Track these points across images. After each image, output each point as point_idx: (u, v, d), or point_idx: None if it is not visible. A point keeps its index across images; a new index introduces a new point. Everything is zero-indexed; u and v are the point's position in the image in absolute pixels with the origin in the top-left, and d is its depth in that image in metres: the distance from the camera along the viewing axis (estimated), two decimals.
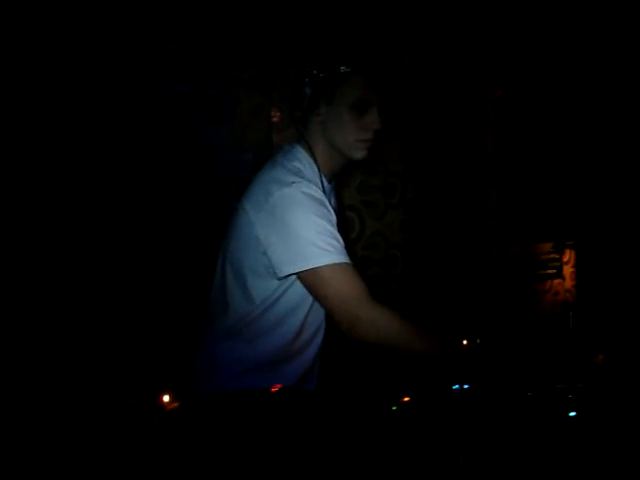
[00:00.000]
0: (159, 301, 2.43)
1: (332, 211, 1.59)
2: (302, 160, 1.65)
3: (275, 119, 2.95)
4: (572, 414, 1.10)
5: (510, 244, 4.26)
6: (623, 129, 3.73)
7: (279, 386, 1.39)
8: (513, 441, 1.12)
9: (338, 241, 1.53)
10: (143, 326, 2.35)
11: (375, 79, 1.62)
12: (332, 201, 1.76)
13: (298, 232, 1.50)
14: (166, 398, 1.21)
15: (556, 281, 4.67)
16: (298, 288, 1.62)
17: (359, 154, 1.66)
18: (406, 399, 1.39)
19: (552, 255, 4.60)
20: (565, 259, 4.69)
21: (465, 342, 1.90)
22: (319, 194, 1.56)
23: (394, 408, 1.36)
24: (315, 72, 1.60)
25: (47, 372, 1.97)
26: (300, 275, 1.55)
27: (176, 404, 1.22)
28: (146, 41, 2.54)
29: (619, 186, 3.83)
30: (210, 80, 2.75)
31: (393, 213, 3.49)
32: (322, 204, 1.55)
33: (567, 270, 4.72)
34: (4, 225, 2.12)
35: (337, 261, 1.50)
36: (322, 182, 1.64)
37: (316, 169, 1.64)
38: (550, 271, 4.62)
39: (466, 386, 1.46)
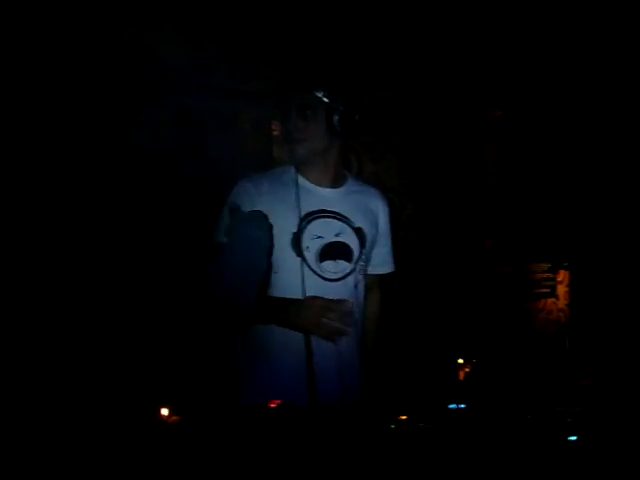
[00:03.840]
0: (159, 315, 2.43)
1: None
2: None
3: (276, 132, 2.96)
4: (572, 438, 1.10)
5: (506, 263, 4.27)
6: (622, 151, 3.76)
7: (278, 402, 1.39)
8: (512, 462, 1.12)
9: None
10: (144, 337, 2.35)
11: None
12: (338, 205, 1.88)
13: None
14: (165, 411, 1.21)
15: (550, 300, 4.67)
16: None
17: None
18: (403, 417, 1.39)
19: (546, 274, 4.61)
20: (559, 279, 4.69)
21: (461, 361, 1.90)
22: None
23: (392, 426, 1.36)
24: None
25: (48, 381, 1.96)
26: None
27: (176, 417, 1.22)
28: (148, 52, 2.55)
29: (616, 208, 3.85)
30: (211, 92, 2.76)
31: None
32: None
33: (561, 290, 4.73)
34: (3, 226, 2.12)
35: None
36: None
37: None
38: (544, 290, 4.62)
39: (462, 405, 1.46)
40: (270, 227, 1.63)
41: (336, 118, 1.76)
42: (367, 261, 1.97)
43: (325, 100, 1.75)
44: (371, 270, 2.02)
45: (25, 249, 2.17)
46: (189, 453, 1.17)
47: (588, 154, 3.89)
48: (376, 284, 2.11)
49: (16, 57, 2.19)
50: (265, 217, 1.63)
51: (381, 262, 2.05)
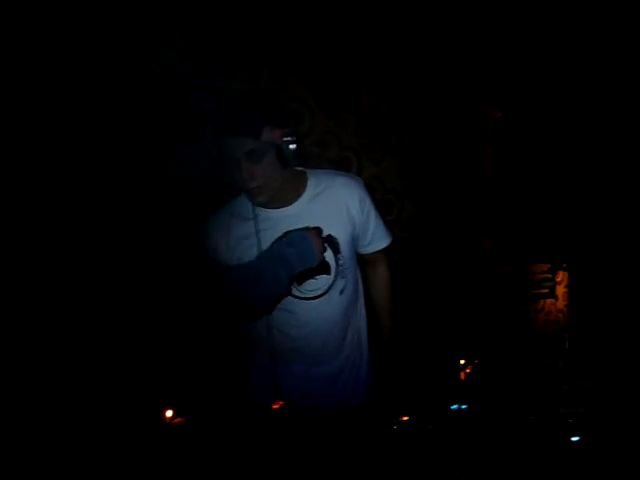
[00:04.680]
0: (162, 317, 2.43)
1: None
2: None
3: None
4: (575, 439, 1.11)
5: (505, 264, 4.29)
6: (621, 153, 3.77)
7: (281, 403, 1.39)
8: (514, 463, 1.13)
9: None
10: (149, 340, 2.35)
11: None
12: (302, 220, 1.79)
13: None
14: (169, 413, 1.21)
15: (549, 301, 4.69)
16: None
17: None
18: (405, 418, 1.40)
19: (545, 275, 4.63)
20: (558, 279, 4.72)
21: (463, 361, 1.91)
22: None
23: (394, 427, 1.36)
24: None
25: (53, 382, 1.97)
26: None
27: (180, 419, 1.22)
28: (141, 50, 2.55)
29: (615, 210, 3.87)
30: (202, 92, 2.76)
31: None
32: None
33: (560, 290, 4.75)
34: (4, 225, 2.12)
35: None
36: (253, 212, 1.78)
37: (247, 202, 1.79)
38: (543, 291, 4.64)
39: (464, 406, 1.47)
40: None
41: (287, 153, 1.67)
42: (353, 251, 1.91)
43: (273, 142, 1.63)
44: (370, 249, 1.96)
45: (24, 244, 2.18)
46: (193, 454, 1.17)
47: (587, 156, 3.90)
48: (380, 258, 2.05)
49: (19, 63, 2.20)
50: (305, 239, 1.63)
51: (377, 239, 1.96)
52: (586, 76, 3.70)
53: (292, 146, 1.66)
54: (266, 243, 1.74)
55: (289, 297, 1.79)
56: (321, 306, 1.82)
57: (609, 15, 3.24)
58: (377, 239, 1.96)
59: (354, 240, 1.89)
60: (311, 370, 1.84)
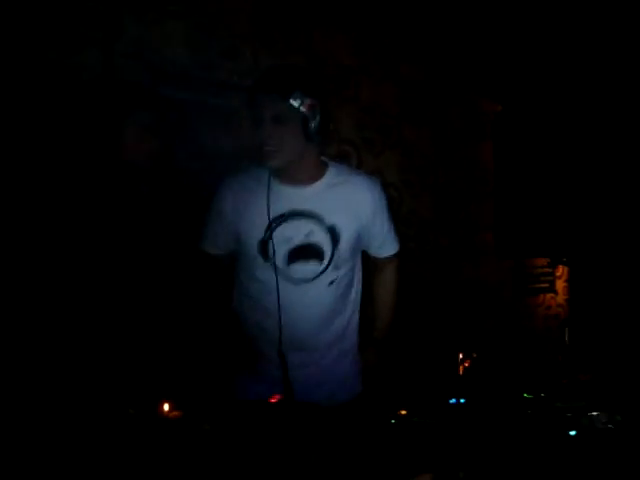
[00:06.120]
0: (161, 311, 2.43)
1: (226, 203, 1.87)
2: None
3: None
4: (572, 433, 1.11)
5: (505, 258, 4.28)
6: (622, 146, 3.76)
7: (278, 397, 1.39)
8: (513, 456, 1.13)
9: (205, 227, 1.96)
10: (147, 333, 2.35)
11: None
12: (311, 203, 1.81)
13: None
14: (166, 407, 1.21)
15: (549, 295, 4.69)
16: None
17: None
18: (403, 412, 1.40)
19: (545, 269, 4.62)
20: (558, 274, 4.71)
21: (461, 355, 1.91)
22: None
23: (392, 421, 1.36)
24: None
25: (50, 376, 1.97)
26: None
27: (177, 412, 1.22)
28: (147, 47, 2.55)
29: (615, 204, 3.86)
30: (210, 88, 2.76)
31: None
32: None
33: (560, 284, 4.74)
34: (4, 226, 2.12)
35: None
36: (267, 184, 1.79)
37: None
38: (543, 285, 4.64)
39: (462, 400, 1.47)
40: None
41: (312, 126, 1.68)
42: (353, 252, 1.92)
43: (301, 109, 1.65)
44: (383, 252, 2.00)
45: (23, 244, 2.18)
46: (190, 448, 1.17)
47: (587, 149, 3.89)
48: (391, 266, 2.07)
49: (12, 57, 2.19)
50: None
51: (388, 243, 2.00)
52: (587, 70, 3.68)
53: (318, 120, 1.69)
54: (272, 214, 1.77)
55: (277, 278, 1.79)
56: (306, 291, 1.82)
57: (610, 9, 3.23)
58: (389, 243, 2.00)
59: (360, 238, 1.90)
60: (294, 359, 1.83)
